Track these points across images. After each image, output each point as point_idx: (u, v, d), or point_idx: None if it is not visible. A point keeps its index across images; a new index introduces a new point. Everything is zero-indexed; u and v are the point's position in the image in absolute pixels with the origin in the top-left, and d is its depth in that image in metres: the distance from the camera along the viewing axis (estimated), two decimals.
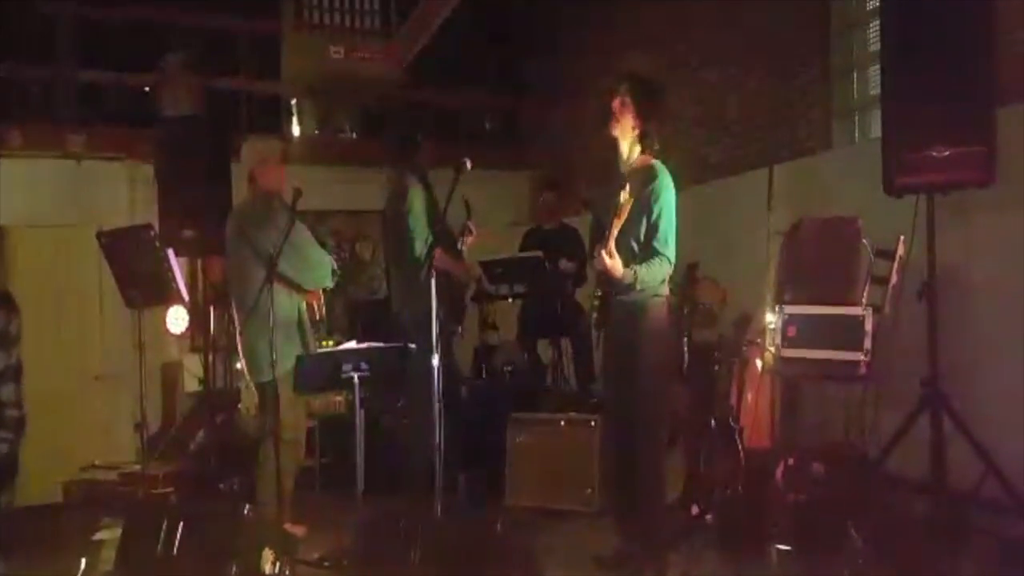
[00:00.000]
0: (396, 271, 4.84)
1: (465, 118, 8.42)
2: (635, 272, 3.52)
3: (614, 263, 3.46)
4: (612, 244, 3.44)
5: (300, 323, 4.22)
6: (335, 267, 4.38)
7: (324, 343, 4.77)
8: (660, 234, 3.58)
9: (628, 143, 3.69)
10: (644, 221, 3.59)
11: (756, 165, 5.24)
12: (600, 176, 3.82)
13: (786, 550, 3.58)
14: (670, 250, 3.61)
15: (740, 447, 4.20)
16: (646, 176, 3.58)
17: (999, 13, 3.63)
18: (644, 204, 3.55)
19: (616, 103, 3.66)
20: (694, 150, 5.96)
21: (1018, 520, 3.44)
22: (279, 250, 3.85)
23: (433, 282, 3.67)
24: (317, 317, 4.33)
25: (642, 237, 3.61)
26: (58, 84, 6.80)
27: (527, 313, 6.02)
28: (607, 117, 3.69)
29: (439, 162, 4.59)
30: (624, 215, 3.40)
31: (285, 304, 4.11)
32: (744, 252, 4.61)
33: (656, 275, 3.59)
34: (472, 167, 3.68)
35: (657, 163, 3.65)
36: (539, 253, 5.32)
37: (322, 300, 4.38)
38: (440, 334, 3.66)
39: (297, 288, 4.20)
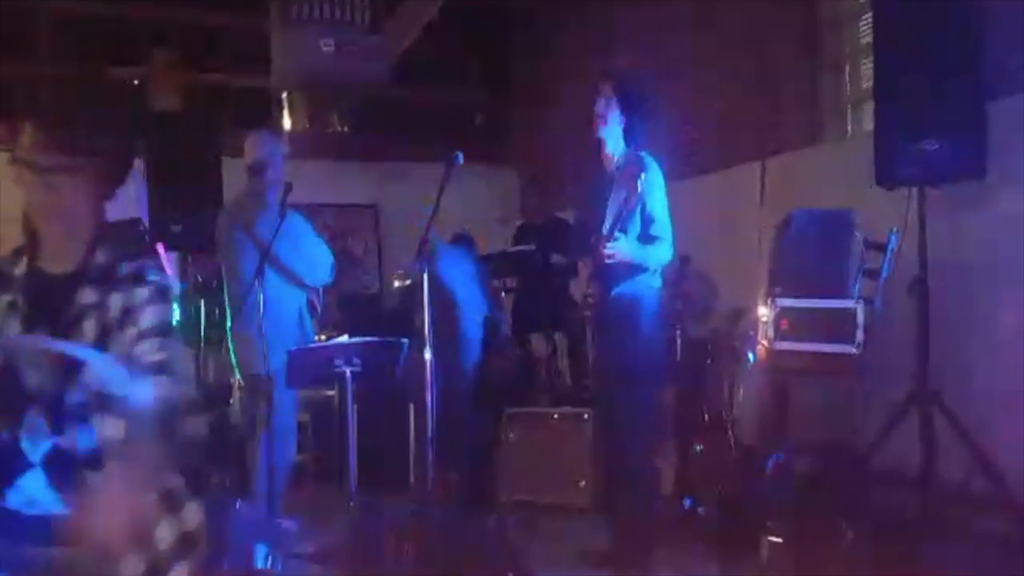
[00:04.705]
0: None
1: (454, 114, 8.39)
2: (644, 250, 3.59)
3: (627, 244, 3.52)
4: (616, 233, 3.50)
5: (301, 318, 4.21)
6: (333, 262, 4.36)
7: (317, 337, 4.75)
8: (658, 221, 3.65)
9: (614, 140, 3.70)
10: (639, 212, 3.62)
11: (748, 159, 5.24)
12: (584, 174, 3.85)
13: (777, 544, 3.59)
14: (670, 234, 3.66)
15: (732, 441, 4.21)
16: (636, 168, 3.60)
17: (989, 6, 3.64)
18: (637, 196, 3.57)
19: (601, 103, 3.67)
20: (685, 144, 5.95)
21: (1008, 516, 3.45)
22: (270, 246, 3.82)
23: (425, 277, 3.66)
24: (318, 310, 4.32)
25: (639, 228, 3.64)
26: (42, 78, 6.74)
27: (520, 307, 6.01)
28: (592, 118, 3.70)
29: (431, 157, 4.58)
30: (630, 206, 3.46)
31: (286, 298, 4.09)
32: (736, 246, 4.61)
33: (663, 255, 3.68)
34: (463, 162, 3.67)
35: (645, 154, 3.68)
36: (532, 247, 5.31)
37: (320, 295, 4.37)
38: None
39: (299, 283, 4.19)
